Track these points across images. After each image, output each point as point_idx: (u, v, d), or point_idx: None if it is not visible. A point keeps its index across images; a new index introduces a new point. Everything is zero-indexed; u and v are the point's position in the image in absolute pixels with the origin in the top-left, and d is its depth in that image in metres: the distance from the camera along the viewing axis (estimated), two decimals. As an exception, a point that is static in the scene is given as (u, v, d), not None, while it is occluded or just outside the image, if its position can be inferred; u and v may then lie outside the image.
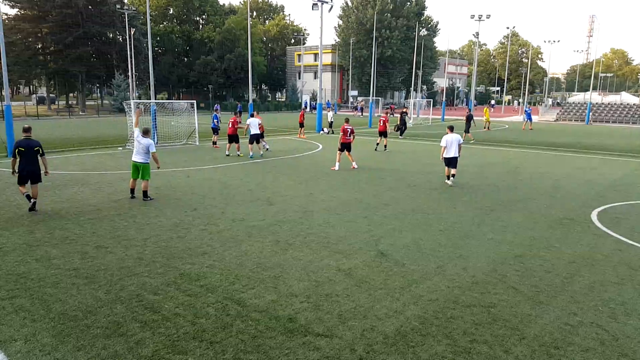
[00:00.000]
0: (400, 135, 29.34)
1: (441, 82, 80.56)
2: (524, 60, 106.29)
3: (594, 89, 64.44)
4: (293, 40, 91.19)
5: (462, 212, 10.75)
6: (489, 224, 9.79)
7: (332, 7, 32.83)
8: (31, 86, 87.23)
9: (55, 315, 5.53)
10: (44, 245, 7.98)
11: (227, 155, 19.43)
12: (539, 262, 7.57)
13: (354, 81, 76.38)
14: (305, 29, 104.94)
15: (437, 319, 5.61)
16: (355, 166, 16.63)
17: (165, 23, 73.91)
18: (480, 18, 47.27)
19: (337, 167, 16.42)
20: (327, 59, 76.16)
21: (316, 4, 31.39)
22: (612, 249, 8.27)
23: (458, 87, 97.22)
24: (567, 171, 16.82)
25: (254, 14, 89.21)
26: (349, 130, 16.65)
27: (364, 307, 5.88)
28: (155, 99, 28.99)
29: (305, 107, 59.50)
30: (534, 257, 7.77)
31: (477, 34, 50.01)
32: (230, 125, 19.51)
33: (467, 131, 27.23)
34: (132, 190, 11.63)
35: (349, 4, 75.14)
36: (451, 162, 13.83)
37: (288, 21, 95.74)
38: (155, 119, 23.81)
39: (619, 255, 7.95)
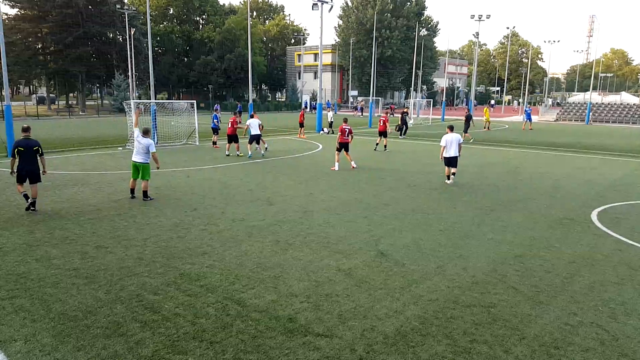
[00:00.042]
0: (403, 134, 29.38)
1: (441, 82, 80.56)
2: (524, 60, 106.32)
3: (594, 89, 64.47)
4: (293, 40, 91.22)
5: (462, 212, 10.76)
6: (489, 224, 9.79)
7: (332, 7, 32.87)
8: (31, 86, 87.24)
9: (55, 315, 5.53)
10: (44, 245, 7.98)
11: (227, 155, 19.44)
12: (539, 262, 7.57)
13: (354, 81, 76.39)
14: (305, 29, 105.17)
15: (437, 319, 5.61)
16: (355, 165, 16.63)
17: (165, 23, 73.96)
18: (480, 18, 47.31)
19: (336, 167, 16.42)
20: (327, 59, 76.17)
21: (316, 4, 31.40)
22: (612, 249, 8.27)
23: (458, 87, 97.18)
24: (567, 171, 16.82)
25: (254, 14, 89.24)
26: (347, 130, 16.67)
27: (364, 307, 5.87)
28: (155, 99, 28.99)
29: (305, 107, 59.51)
30: (534, 257, 7.77)
31: (477, 34, 50.07)
32: (229, 125, 19.53)
33: (465, 131, 27.26)
34: (132, 190, 11.64)
35: (349, 4, 75.17)
36: (451, 161, 13.87)
37: (288, 21, 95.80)
38: (155, 119, 23.80)
39: (619, 255, 7.95)
